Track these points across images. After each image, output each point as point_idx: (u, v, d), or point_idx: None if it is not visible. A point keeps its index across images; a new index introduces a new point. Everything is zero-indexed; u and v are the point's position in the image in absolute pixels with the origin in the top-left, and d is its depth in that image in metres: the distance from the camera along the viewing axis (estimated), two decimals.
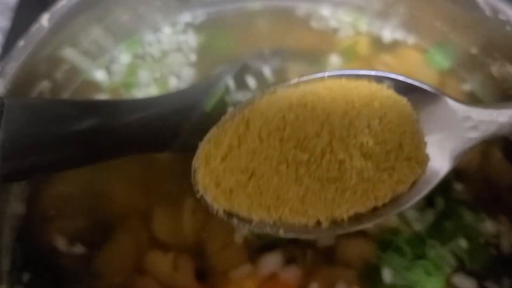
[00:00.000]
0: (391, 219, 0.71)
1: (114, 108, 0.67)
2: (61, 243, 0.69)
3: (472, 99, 0.84)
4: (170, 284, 0.66)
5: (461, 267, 0.69)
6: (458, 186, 0.75)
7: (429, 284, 0.67)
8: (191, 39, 0.87)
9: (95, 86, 0.82)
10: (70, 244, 0.69)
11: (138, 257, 0.68)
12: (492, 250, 0.71)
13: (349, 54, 0.88)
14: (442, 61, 0.86)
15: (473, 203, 0.74)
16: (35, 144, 0.55)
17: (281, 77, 0.84)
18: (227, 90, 0.80)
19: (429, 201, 0.73)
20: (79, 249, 0.69)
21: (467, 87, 0.85)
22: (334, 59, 0.86)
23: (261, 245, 0.68)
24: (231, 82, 0.80)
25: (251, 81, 0.82)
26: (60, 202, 0.72)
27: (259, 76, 0.83)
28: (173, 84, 0.84)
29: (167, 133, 0.73)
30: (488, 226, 0.72)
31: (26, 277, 0.67)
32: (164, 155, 0.75)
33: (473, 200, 0.74)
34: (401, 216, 0.71)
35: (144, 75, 0.83)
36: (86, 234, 0.70)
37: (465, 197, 0.74)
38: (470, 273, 0.68)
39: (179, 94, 0.79)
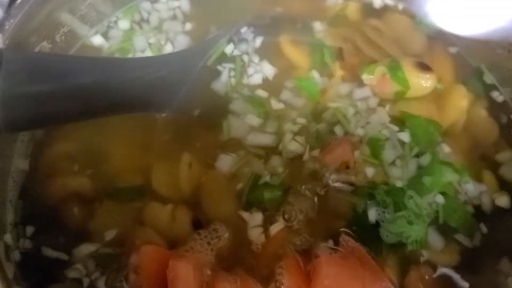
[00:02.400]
0: (373, 173, 0.75)
1: (115, 65, 0.70)
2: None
3: (460, 62, 0.86)
4: (168, 233, 0.69)
5: (436, 220, 0.72)
6: (446, 148, 0.78)
7: (413, 233, 0.70)
8: (184, 5, 0.89)
9: (93, 50, 0.84)
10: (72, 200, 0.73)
11: (138, 210, 0.71)
12: (470, 209, 0.74)
13: (339, 19, 0.90)
14: (430, 24, 0.88)
15: (459, 164, 0.76)
16: (36, 95, 0.58)
17: (270, 43, 0.86)
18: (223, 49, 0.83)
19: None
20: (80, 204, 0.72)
21: (454, 49, 0.87)
22: (322, 26, 0.89)
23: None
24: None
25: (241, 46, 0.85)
26: (62, 160, 0.75)
27: (248, 42, 0.86)
28: (168, 50, 0.85)
29: (165, 93, 0.76)
30: (470, 187, 0.76)
31: (30, 230, 0.70)
32: (162, 115, 0.77)
33: (459, 160, 0.77)
34: (386, 172, 0.75)
35: (139, 41, 0.85)
36: (87, 190, 0.73)
37: (451, 159, 0.77)
38: (442, 227, 0.72)
39: (177, 55, 0.82)
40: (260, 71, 0.83)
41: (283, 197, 0.71)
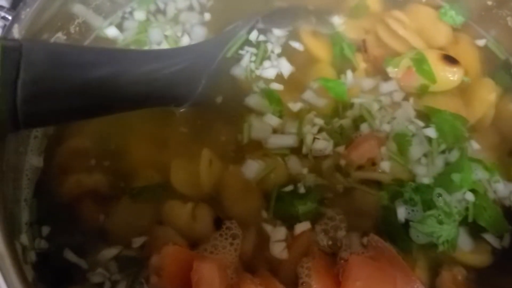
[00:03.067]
0: (400, 170, 0.72)
1: (132, 57, 0.67)
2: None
3: (487, 54, 0.83)
4: (189, 233, 0.67)
5: (466, 219, 0.69)
6: (475, 145, 0.75)
7: (444, 233, 0.67)
8: None
9: (107, 42, 0.81)
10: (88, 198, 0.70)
11: (157, 208, 0.69)
12: (500, 208, 0.71)
13: (360, 10, 0.87)
14: (456, 16, 0.85)
15: (489, 162, 0.73)
16: (56, 88, 0.55)
17: (289, 35, 0.84)
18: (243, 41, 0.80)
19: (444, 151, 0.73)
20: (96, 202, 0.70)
21: (481, 42, 0.84)
22: (343, 17, 0.86)
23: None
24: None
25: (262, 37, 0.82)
26: (77, 156, 0.72)
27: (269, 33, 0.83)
28: (185, 42, 0.83)
29: (183, 86, 0.73)
30: (501, 187, 0.73)
31: (45, 230, 0.68)
32: (180, 110, 0.75)
33: (489, 158, 0.74)
34: (411, 171, 0.72)
35: (155, 33, 0.82)
36: (104, 187, 0.70)
37: (481, 156, 0.74)
38: (471, 226, 0.69)
39: (195, 47, 0.78)
40: (277, 66, 0.80)
41: (318, 209, 0.68)
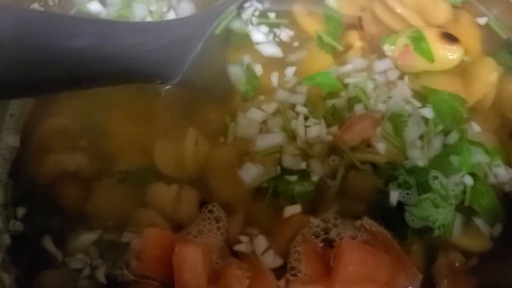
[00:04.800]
0: (395, 151, 0.69)
1: (115, 28, 0.63)
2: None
3: (489, 33, 0.80)
4: (173, 216, 0.64)
5: (462, 203, 0.66)
6: (476, 127, 0.72)
7: (440, 217, 0.64)
8: None
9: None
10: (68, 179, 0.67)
11: (140, 191, 0.65)
12: (499, 193, 0.68)
13: None
14: None
15: (490, 146, 0.70)
16: (27, 57, 0.51)
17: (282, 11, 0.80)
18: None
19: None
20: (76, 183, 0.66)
21: (483, 20, 0.80)
22: None
23: None
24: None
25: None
26: (57, 136, 0.69)
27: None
28: (171, 18, 0.78)
29: (169, 63, 0.69)
30: (502, 171, 0.69)
31: (21, 211, 0.65)
32: (166, 87, 0.71)
33: (491, 141, 0.71)
34: (406, 152, 0.68)
35: (139, 8, 0.78)
36: (84, 168, 0.67)
37: (482, 139, 0.70)
38: (465, 211, 0.66)
39: (183, 21, 0.75)
40: (267, 38, 0.77)
41: (314, 192, 0.65)
